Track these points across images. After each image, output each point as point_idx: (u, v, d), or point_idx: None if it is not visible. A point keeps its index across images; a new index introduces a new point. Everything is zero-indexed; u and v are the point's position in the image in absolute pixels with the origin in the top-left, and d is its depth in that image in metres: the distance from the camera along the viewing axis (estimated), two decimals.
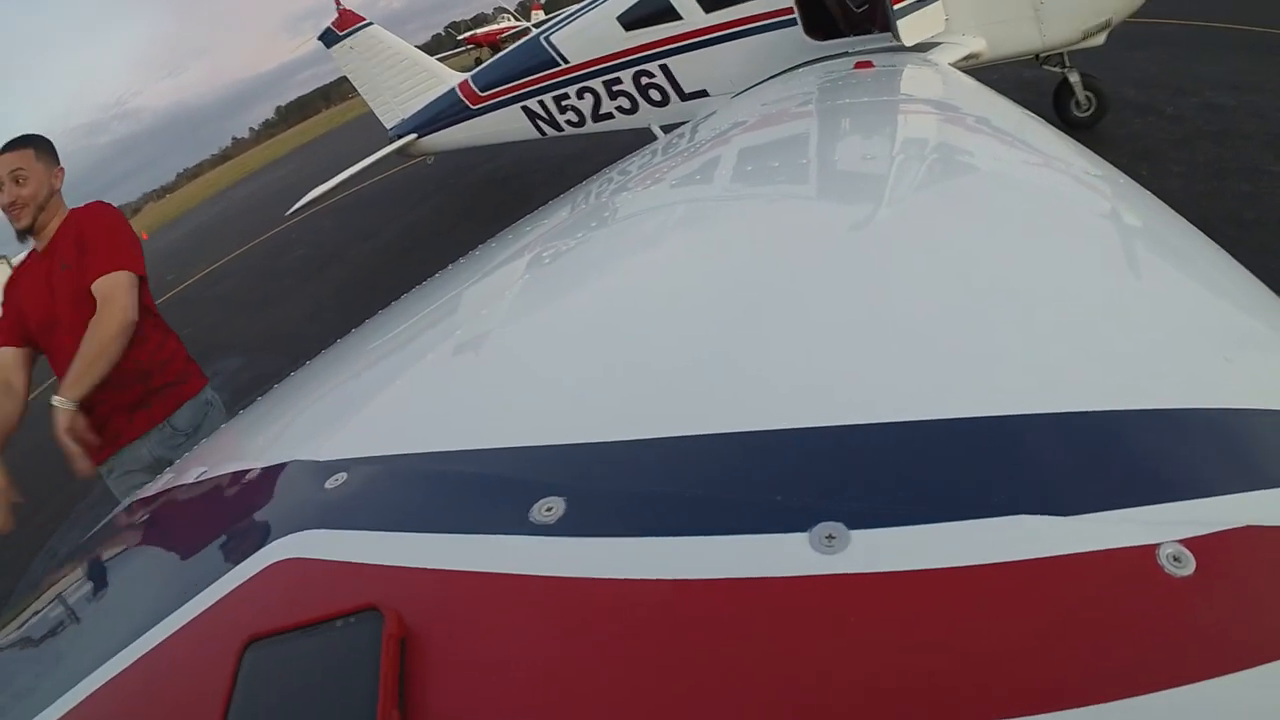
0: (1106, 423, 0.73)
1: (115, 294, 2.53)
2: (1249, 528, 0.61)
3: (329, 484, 1.00)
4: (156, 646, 0.85)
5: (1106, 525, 0.61)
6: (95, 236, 2.65)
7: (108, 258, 2.59)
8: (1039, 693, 0.52)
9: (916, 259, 1.18)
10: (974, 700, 0.52)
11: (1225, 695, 0.50)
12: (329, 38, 9.39)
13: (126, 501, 1.58)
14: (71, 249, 2.63)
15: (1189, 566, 0.57)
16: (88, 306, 2.52)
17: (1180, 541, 0.59)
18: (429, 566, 0.77)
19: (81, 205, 2.79)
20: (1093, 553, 0.59)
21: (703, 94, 6.31)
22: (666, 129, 6.19)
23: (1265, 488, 0.65)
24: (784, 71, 5.14)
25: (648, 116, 6.72)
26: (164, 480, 1.54)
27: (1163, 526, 0.61)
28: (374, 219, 12.19)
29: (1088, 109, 6.30)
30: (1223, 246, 1.16)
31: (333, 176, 8.93)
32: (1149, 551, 0.58)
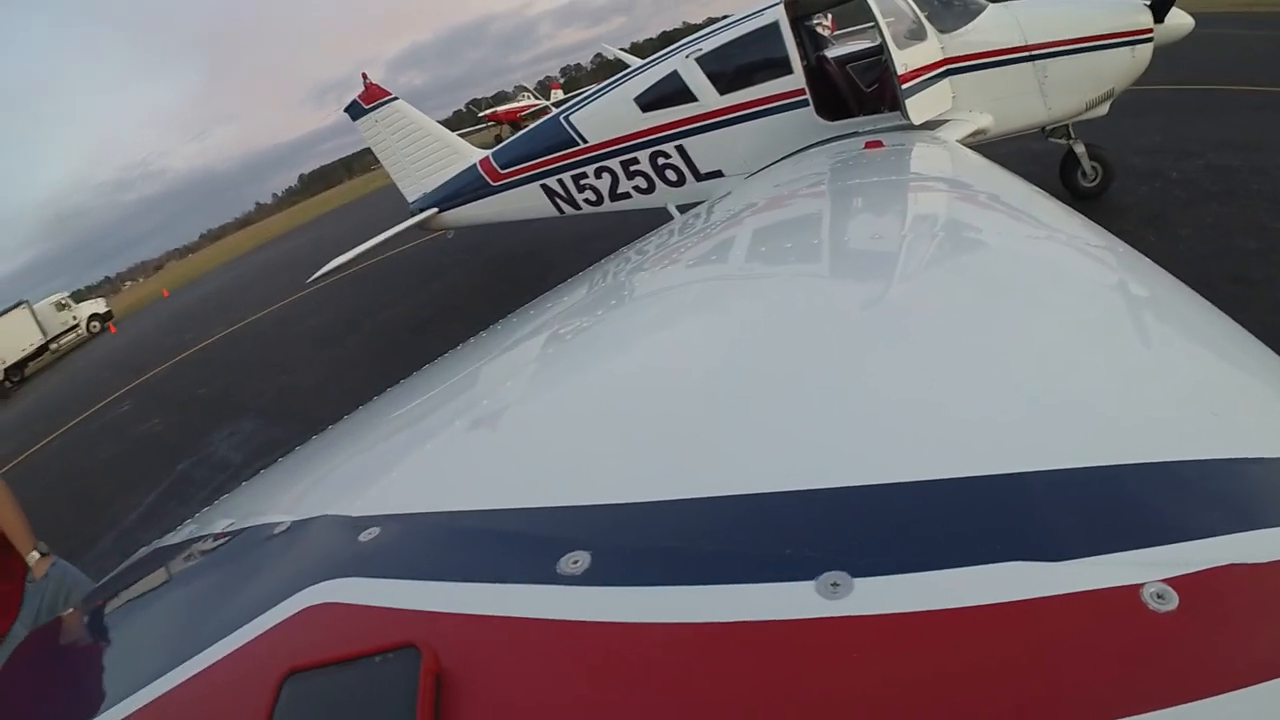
0: (1095, 477, 0.80)
1: None
2: (1231, 565, 0.67)
3: (362, 537, 1.06)
4: (194, 676, 0.90)
5: (1093, 568, 0.68)
6: None
7: None
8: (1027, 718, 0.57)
9: (919, 332, 1.27)
10: None
11: (1206, 717, 0.55)
12: (355, 110, 9.52)
13: (151, 546, 1.61)
14: None
15: (1172, 602, 0.63)
16: None
17: (1164, 580, 0.65)
18: (461, 611, 0.83)
19: None
20: (1080, 593, 0.66)
21: (718, 174, 6.41)
22: (682, 209, 6.26)
23: (1248, 529, 0.71)
24: (797, 151, 5.29)
25: (664, 196, 6.84)
26: (186, 530, 1.56)
27: (1147, 567, 0.67)
28: (393, 290, 12.31)
29: (1094, 178, 6.43)
30: (1231, 306, 1.24)
31: (354, 246, 9.00)
32: (1133, 590, 0.65)
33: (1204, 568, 0.66)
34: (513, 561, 0.91)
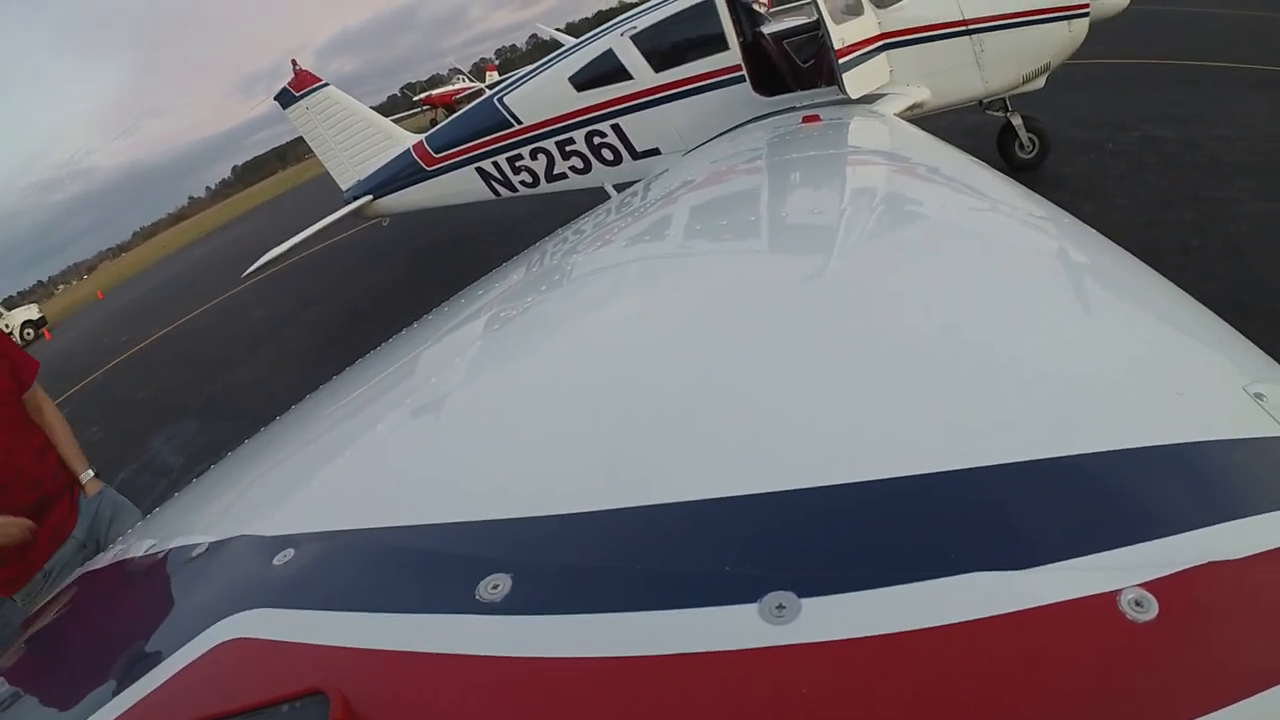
0: (1058, 469, 0.72)
1: (45, 395, 2.90)
2: (1210, 564, 0.60)
3: (276, 560, 0.99)
4: None
5: (1064, 575, 0.61)
6: (10, 344, 2.87)
7: (32, 363, 2.87)
8: None
9: (862, 318, 1.18)
10: None
11: None
12: (285, 98, 9.38)
13: (76, 574, 1.56)
14: None
15: (1152, 610, 0.56)
16: (10, 409, 2.69)
17: (1141, 585, 0.58)
18: (375, 647, 0.76)
19: None
20: (1051, 605, 0.58)
21: (655, 152, 6.37)
22: (619, 188, 6.24)
23: (1223, 520, 0.65)
24: (734, 128, 5.24)
25: (601, 176, 6.75)
26: (113, 553, 1.50)
27: (1122, 572, 0.60)
28: (330, 281, 12.13)
29: (1032, 150, 6.49)
30: (1169, 273, 1.17)
31: (289, 238, 8.87)
32: (1110, 599, 0.58)
33: (1181, 568, 0.60)
34: (429, 587, 0.84)
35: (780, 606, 0.63)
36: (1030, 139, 6.45)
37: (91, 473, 2.92)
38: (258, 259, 8.86)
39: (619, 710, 0.61)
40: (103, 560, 1.51)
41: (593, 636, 0.68)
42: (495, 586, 0.77)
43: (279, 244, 8.83)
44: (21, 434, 2.69)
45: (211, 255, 28.93)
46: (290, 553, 1.00)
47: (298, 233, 8.88)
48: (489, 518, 0.92)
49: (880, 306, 1.20)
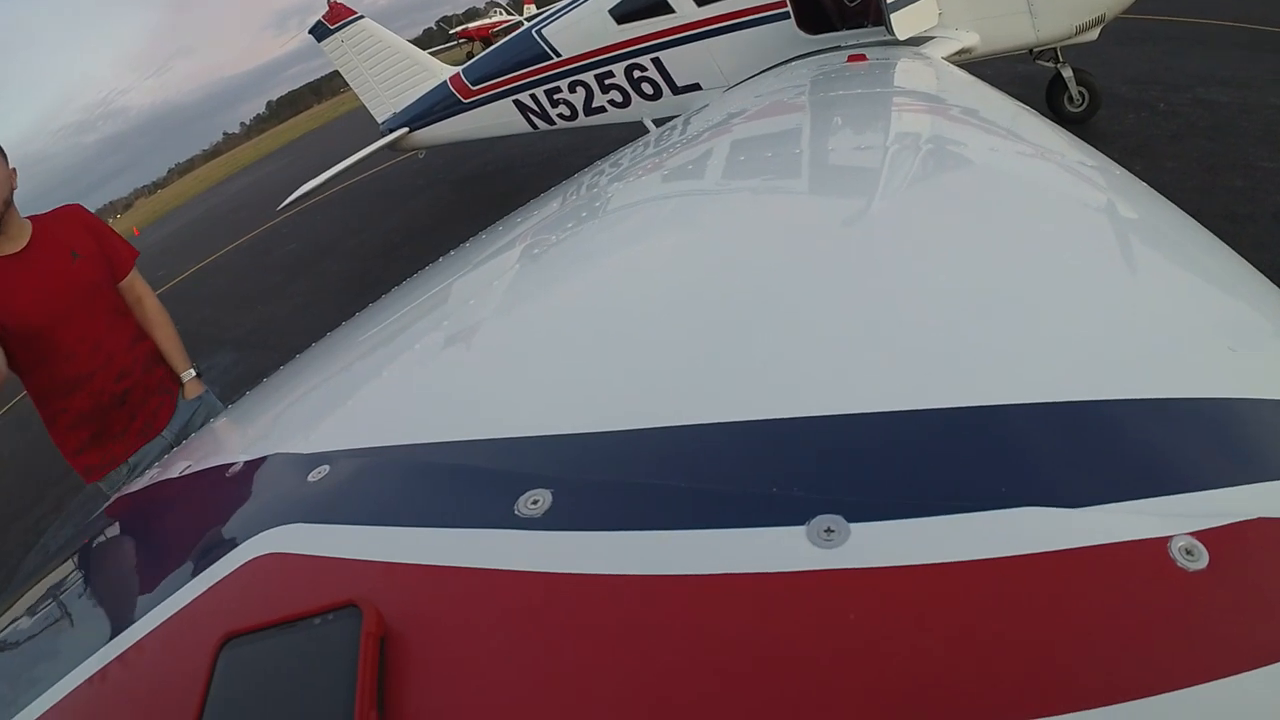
0: (1113, 412, 0.71)
1: (148, 287, 2.83)
2: (1262, 519, 0.59)
3: (311, 477, 0.98)
4: (136, 643, 0.83)
5: (1115, 517, 0.59)
6: (106, 230, 2.73)
7: (130, 252, 2.77)
8: (1047, 693, 0.49)
9: (914, 249, 1.16)
10: (978, 701, 0.50)
11: (1242, 693, 0.48)
12: (320, 31, 9.37)
13: (112, 498, 1.56)
14: (87, 240, 2.59)
15: (1202, 560, 0.55)
16: (104, 294, 2.59)
17: (1192, 534, 0.57)
18: (412, 561, 0.75)
19: (54, 209, 2.63)
20: (1101, 546, 0.57)
21: (695, 87, 6.29)
22: (659, 122, 6.17)
23: (1271, 479, 0.63)
24: (777, 65, 5.13)
25: (640, 110, 6.70)
26: (150, 475, 1.51)
27: (1174, 519, 0.58)
28: (366, 213, 12.14)
29: (1081, 104, 6.30)
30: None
31: (324, 171, 8.90)
32: (1160, 544, 0.56)
33: (1234, 520, 0.58)
34: (467, 501, 0.82)
35: (829, 530, 0.62)
36: (1080, 92, 6.25)
37: (194, 373, 2.85)
38: (293, 192, 8.93)
39: (659, 626, 0.60)
40: (139, 483, 1.51)
41: (635, 553, 0.66)
42: (535, 502, 0.76)
43: (315, 177, 8.88)
44: (114, 323, 2.62)
45: (247, 190, 29.01)
46: (325, 469, 0.99)
47: (333, 165, 8.92)
48: (529, 434, 0.90)
49: (932, 244, 1.16)
